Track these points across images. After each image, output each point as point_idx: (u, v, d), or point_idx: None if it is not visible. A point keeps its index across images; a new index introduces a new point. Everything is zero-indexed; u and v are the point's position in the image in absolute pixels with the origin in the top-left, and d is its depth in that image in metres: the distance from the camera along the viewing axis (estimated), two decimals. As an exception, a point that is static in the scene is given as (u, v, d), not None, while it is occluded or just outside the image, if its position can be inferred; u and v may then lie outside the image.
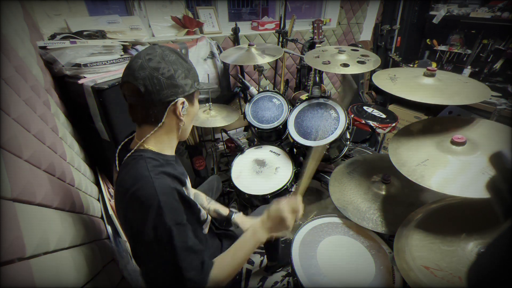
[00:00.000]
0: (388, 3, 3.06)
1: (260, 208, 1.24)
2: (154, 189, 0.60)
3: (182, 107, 0.69)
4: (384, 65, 3.17)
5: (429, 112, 2.56)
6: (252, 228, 0.79)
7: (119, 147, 0.75)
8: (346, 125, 1.38)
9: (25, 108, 0.71)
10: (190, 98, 0.71)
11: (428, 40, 3.02)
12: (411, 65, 3.03)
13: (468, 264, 0.43)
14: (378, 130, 1.69)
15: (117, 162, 0.74)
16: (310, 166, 0.91)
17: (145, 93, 0.63)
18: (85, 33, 1.35)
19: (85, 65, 1.17)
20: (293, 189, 1.50)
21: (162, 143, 0.72)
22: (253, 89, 1.74)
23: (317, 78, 2.15)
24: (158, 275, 0.64)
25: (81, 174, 1.03)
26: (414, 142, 0.96)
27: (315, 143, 1.39)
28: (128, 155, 0.69)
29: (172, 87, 0.65)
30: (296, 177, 1.48)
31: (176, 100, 0.67)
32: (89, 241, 0.80)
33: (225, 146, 2.25)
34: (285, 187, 1.40)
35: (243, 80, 1.81)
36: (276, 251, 1.41)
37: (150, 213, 0.59)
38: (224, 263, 0.71)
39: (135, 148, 0.69)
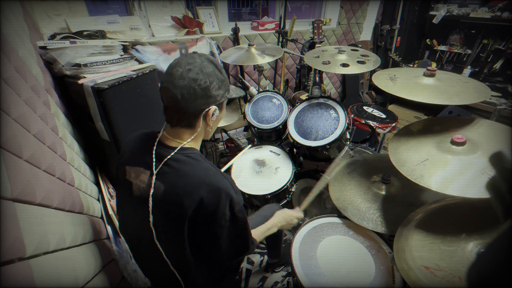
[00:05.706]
0: (388, 3, 3.06)
1: (267, 207, 1.24)
2: (227, 180, 0.74)
3: (213, 115, 0.76)
4: (384, 65, 3.17)
5: (429, 112, 2.56)
6: (274, 220, 1.08)
7: (156, 143, 0.76)
8: (346, 125, 1.38)
9: (25, 108, 0.71)
10: (220, 106, 0.78)
11: (428, 40, 3.02)
12: (411, 65, 3.03)
13: (468, 264, 0.43)
14: (378, 130, 1.69)
15: (154, 158, 0.75)
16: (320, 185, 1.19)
17: (181, 100, 0.69)
18: (85, 33, 1.35)
19: (85, 65, 1.17)
20: (293, 189, 1.50)
21: (196, 142, 0.82)
22: (253, 89, 1.74)
23: (317, 78, 2.15)
24: (232, 248, 0.80)
25: (81, 174, 1.03)
26: (414, 142, 0.97)
27: (315, 143, 1.39)
28: (175, 152, 0.74)
29: (206, 97, 0.71)
30: (296, 177, 1.47)
31: (209, 109, 0.73)
32: (89, 241, 0.80)
33: (225, 146, 2.26)
34: (285, 187, 1.40)
35: (243, 80, 1.81)
36: (278, 248, 1.45)
37: (229, 198, 0.72)
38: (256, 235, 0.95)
39: (180, 147, 0.75)
